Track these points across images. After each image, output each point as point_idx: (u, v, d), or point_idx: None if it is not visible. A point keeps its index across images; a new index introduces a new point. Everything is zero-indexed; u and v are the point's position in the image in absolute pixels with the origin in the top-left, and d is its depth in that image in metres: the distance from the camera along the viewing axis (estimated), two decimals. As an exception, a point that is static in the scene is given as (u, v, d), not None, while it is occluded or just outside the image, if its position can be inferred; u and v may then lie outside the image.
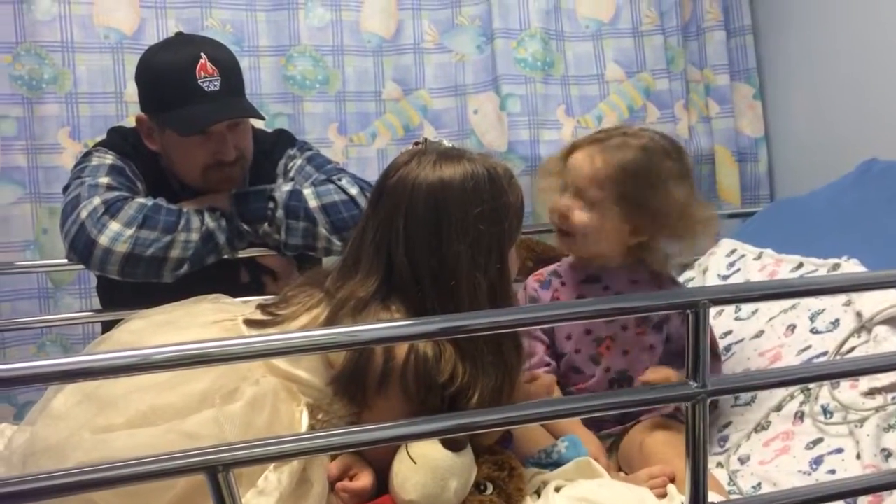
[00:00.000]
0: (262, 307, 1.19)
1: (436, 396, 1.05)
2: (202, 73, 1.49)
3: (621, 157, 1.34)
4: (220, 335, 1.12)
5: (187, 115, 1.48)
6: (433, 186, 1.09)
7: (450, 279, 1.07)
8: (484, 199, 1.09)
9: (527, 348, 1.27)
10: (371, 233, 1.12)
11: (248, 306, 1.23)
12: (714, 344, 1.45)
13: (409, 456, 1.03)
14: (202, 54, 1.50)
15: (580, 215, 1.36)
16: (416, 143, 1.18)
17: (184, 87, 1.48)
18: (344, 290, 1.11)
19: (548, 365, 1.40)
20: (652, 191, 1.33)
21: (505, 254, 1.13)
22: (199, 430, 0.99)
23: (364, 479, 1.06)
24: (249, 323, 1.16)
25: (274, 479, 0.99)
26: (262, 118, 1.60)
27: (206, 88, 1.48)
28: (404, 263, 1.09)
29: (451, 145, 1.17)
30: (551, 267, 1.49)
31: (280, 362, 1.09)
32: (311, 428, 1.06)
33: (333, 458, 1.07)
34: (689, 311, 0.85)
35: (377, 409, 1.07)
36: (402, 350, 1.04)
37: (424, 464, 1.02)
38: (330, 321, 1.09)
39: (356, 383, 1.07)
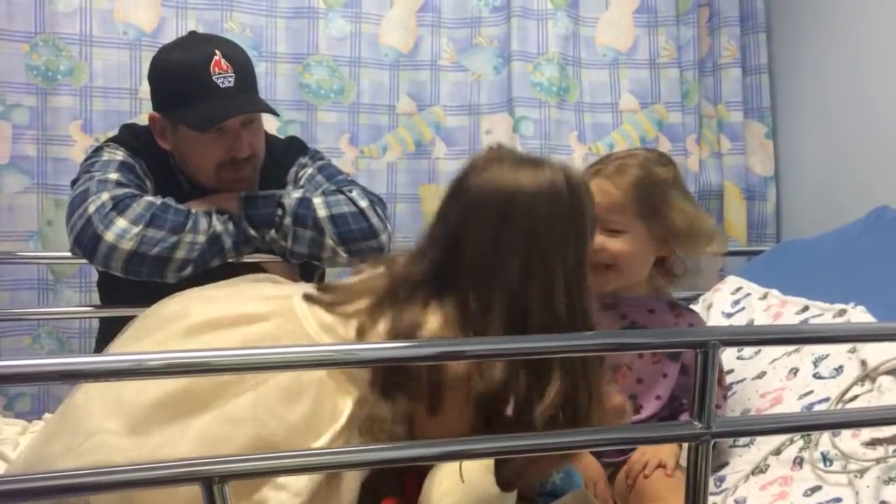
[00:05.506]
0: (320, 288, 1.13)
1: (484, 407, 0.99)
2: (217, 69, 1.48)
3: (628, 178, 1.40)
4: (275, 310, 1.08)
5: (202, 111, 1.47)
6: (507, 188, 1.05)
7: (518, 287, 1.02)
8: (562, 206, 1.06)
9: None
10: (441, 229, 1.08)
11: (301, 286, 1.17)
12: (722, 379, 1.45)
13: (460, 471, 0.98)
14: (216, 51, 1.49)
15: (614, 244, 1.38)
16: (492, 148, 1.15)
17: (198, 84, 1.47)
18: (399, 278, 1.07)
19: None
20: (663, 195, 1.40)
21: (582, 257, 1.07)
22: (241, 413, 0.96)
23: None
24: (308, 298, 1.10)
25: None
26: (277, 114, 1.60)
27: (220, 85, 1.48)
28: (463, 261, 1.04)
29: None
30: None
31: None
32: (352, 418, 1.00)
33: None
34: (698, 351, 0.85)
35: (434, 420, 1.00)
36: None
37: (472, 487, 0.98)
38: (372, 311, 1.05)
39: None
